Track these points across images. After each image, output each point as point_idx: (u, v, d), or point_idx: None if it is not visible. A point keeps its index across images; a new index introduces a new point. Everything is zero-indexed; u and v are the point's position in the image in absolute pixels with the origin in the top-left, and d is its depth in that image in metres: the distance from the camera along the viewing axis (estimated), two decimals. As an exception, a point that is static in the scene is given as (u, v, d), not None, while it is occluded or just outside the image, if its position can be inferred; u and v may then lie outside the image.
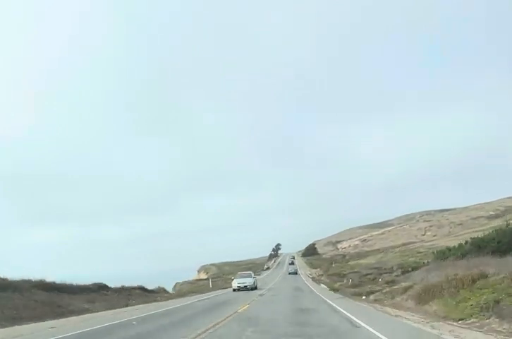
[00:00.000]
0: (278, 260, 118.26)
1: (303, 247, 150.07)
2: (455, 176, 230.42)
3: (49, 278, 18.05)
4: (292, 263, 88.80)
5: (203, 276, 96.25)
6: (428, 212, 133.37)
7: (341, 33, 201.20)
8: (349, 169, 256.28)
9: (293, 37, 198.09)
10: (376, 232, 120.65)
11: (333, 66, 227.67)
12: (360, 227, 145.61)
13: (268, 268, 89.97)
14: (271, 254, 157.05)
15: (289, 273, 62.48)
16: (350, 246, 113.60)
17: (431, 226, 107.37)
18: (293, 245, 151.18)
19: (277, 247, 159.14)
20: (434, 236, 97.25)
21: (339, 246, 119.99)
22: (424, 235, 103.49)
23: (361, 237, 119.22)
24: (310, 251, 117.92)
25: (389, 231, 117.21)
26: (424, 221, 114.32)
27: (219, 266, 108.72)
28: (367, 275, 33.43)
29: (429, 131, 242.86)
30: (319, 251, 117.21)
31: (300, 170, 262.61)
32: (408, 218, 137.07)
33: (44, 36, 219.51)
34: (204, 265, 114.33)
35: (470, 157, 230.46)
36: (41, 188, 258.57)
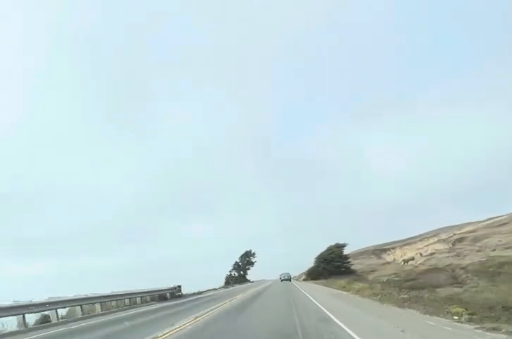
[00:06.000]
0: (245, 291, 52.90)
1: (297, 273, 79.30)
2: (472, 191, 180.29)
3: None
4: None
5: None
6: (451, 228, 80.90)
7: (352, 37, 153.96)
8: (348, 184, 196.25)
9: (293, 36, 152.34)
10: (452, 234, 62.87)
11: (334, 67, 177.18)
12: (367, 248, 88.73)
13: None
14: (230, 277, 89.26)
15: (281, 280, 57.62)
16: (421, 254, 53.79)
17: None
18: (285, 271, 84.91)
19: (245, 258, 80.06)
20: None
21: (387, 257, 59.73)
22: None
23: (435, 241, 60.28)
24: (331, 265, 54.32)
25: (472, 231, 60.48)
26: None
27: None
28: None
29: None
30: (353, 266, 55.46)
31: (291, 185, 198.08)
32: (431, 235, 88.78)
33: None
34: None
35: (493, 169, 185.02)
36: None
